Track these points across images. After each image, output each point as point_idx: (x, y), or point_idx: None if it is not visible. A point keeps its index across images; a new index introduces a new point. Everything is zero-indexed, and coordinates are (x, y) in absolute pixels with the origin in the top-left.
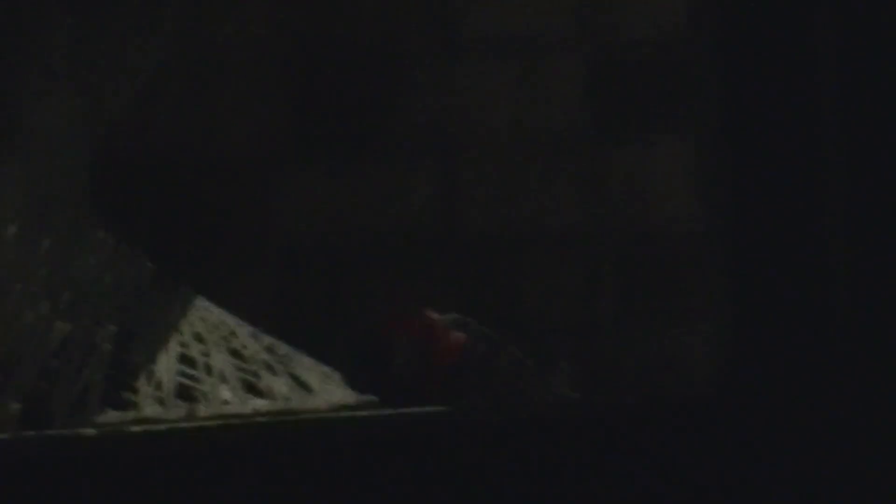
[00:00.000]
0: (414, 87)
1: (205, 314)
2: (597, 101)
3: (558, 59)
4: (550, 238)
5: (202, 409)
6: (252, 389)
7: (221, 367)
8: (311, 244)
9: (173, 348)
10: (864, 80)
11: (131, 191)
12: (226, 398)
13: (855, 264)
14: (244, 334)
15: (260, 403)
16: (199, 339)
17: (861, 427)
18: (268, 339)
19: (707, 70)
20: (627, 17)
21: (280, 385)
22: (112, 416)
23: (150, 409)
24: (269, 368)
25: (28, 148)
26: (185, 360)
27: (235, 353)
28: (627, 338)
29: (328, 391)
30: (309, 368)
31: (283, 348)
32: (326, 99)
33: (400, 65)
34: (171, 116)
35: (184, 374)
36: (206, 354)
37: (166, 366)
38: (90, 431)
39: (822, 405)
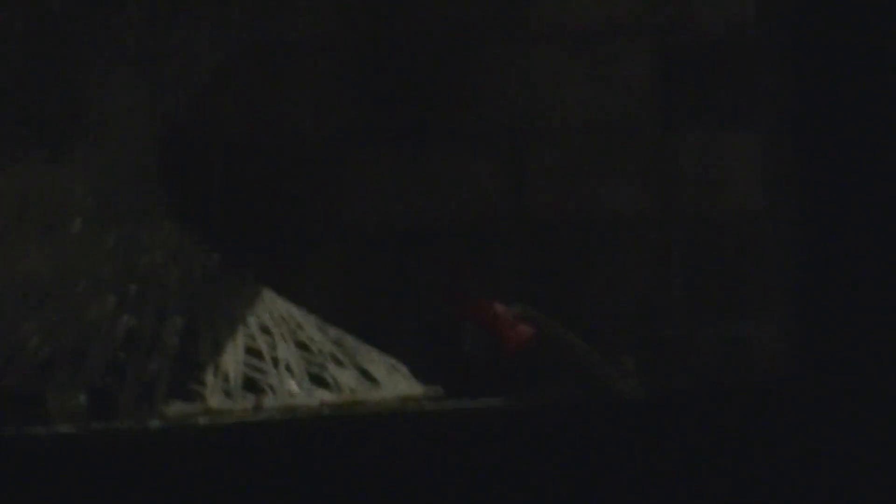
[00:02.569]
0: (483, 74)
1: (271, 306)
2: (666, 89)
3: (627, 47)
4: (618, 226)
5: (269, 401)
6: (319, 381)
7: (288, 358)
8: (379, 231)
9: (240, 340)
10: None
11: (199, 179)
12: (292, 390)
13: None
14: (311, 326)
15: (326, 395)
16: (265, 330)
17: None
18: (334, 332)
19: (777, 58)
20: (697, 5)
21: (347, 377)
22: (179, 408)
23: (216, 401)
24: (336, 360)
25: (94, 137)
26: (252, 352)
27: (302, 345)
28: (696, 325)
29: (394, 383)
30: (375, 360)
31: (350, 340)
32: (396, 86)
33: (469, 52)
34: (239, 104)
35: (250, 366)
36: (273, 346)
37: (233, 358)
38: (156, 423)
39: (892, 391)
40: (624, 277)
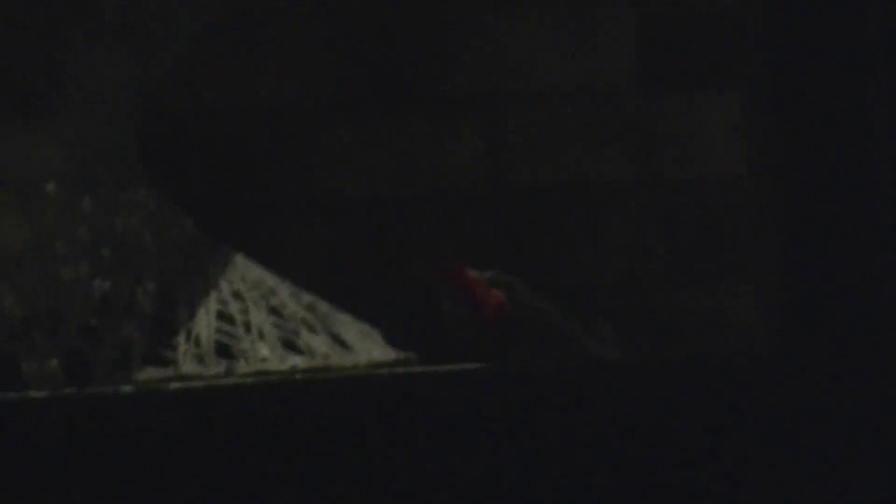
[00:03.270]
0: (463, 41)
1: (244, 272)
2: (645, 56)
3: (606, 14)
4: (598, 192)
5: (241, 366)
6: (291, 347)
7: (260, 324)
8: (357, 198)
9: (212, 305)
10: None
11: (176, 146)
12: (264, 355)
13: None
14: (284, 292)
15: (298, 360)
16: (238, 296)
17: None
18: (308, 297)
19: (756, 25)
20: None
21: (319, 343)
22: (151, 373)
23: (189, 367)
24: (309, 326)
25: (72, 103)
26: (224, 317)
27: (274, 311)
28: (676, 292)
29: (367, 349)
30: (349, 326)
31: (324, 306)
32: (373, 53)
33: (449, 19)
34: (217, 72)
35: (223, 332)
36: (245, 312)
37: (205, 323)
38: (128, 388)
39: (874, 358)
40: (604, 244)
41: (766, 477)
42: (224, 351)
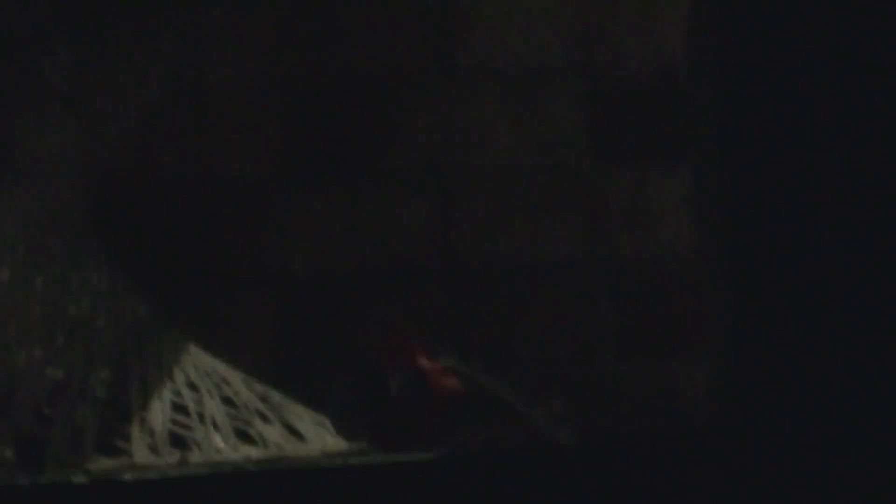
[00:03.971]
0: (412, 114)
1: (197, 360)
2: (594, 132)
3: (556, 89)
4: (548, 268)
5: (194, 457)
6: (244, 437)
7: (214, 414)
8: (308, 273)
9: (166, 395)
10: (861, 115)
11: (128, 220)
12: (218, 445)
13: (855, 293)
14: (237, 381)
15: (252, 451)
16: (191, 385)
17: (868, 451)
18: (260, 387)
19: (704, 102)
20: (626, 49)
21: (272, 433)
22: (104, 463)
23: (142, 456)
24: (262, 416)
25: (23, 178)
26: (178, 407)
27: (228, 401)
28: (627, 367)
29: (320, 438)
30: (301, 416)
31: (276, 395)
32: (324, 127)
33: (398, 93)
34: (167, 146)
35: (176, 422)
36: (199, 401)
37: (159, 412)
38: (82, 479)
39: (825, 431)
40: (554, 320)
41: None
42: (178, 441)
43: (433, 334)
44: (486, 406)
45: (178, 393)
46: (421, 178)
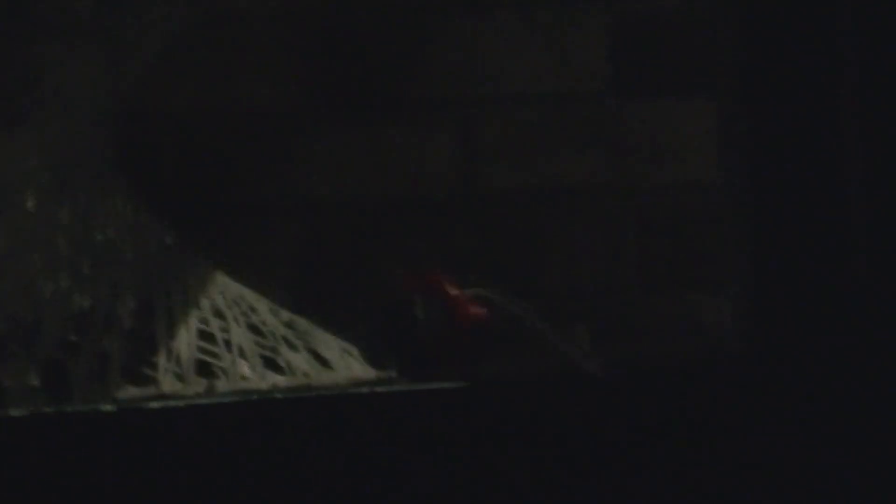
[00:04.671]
0: (435, 45)
1: (224, 289)
2: (619, 58)
3: (580, 18)
4: (571, 197)
5: (221, 385)
6: (271, 365)
7: (240, 342)
8: (330, 201)
9: (193, 323)
10: (884, 48)
11: (152, 153)
12: (245, 374)
13: (879, 224)
14: (263, 309)
15: (279, 379)
16: (218, 313)
17: (892, 381)
18: (287, 315)
19: (729, 30)
20: None
21: (299, 361)
22: (131, 391)
23: (169, 385)
24: (289, 344)
25: (47, 109)
26: (205, 335)
27: (254, 329)
28: (649, 297)
29: (347, 366)
30: (328, 344)
31: (303, 324)
32: (347, 58)
33: (421, 23)
34: (191, 78)
35: (203, 350)
36: (226, 330)
37: (186, 341)
38: (109, 408)
39: (847, 361)
40: (577, 249)
41: (743, 483)
42: (205, 369)
43: (457, 263)
44: (514, 334)
45: (204, 321)
46: (444, 109)
